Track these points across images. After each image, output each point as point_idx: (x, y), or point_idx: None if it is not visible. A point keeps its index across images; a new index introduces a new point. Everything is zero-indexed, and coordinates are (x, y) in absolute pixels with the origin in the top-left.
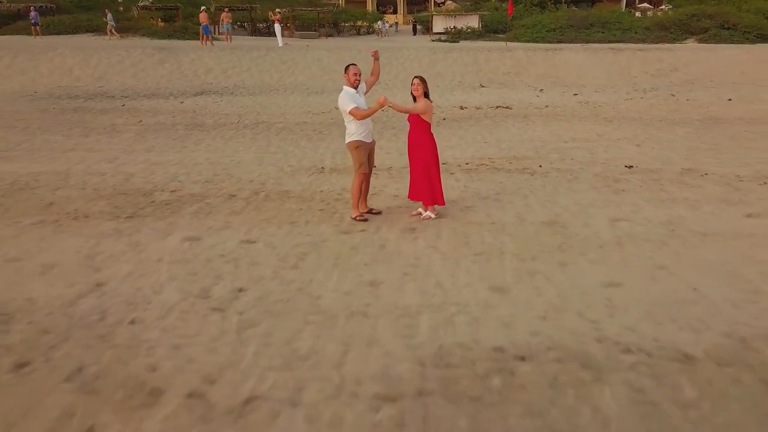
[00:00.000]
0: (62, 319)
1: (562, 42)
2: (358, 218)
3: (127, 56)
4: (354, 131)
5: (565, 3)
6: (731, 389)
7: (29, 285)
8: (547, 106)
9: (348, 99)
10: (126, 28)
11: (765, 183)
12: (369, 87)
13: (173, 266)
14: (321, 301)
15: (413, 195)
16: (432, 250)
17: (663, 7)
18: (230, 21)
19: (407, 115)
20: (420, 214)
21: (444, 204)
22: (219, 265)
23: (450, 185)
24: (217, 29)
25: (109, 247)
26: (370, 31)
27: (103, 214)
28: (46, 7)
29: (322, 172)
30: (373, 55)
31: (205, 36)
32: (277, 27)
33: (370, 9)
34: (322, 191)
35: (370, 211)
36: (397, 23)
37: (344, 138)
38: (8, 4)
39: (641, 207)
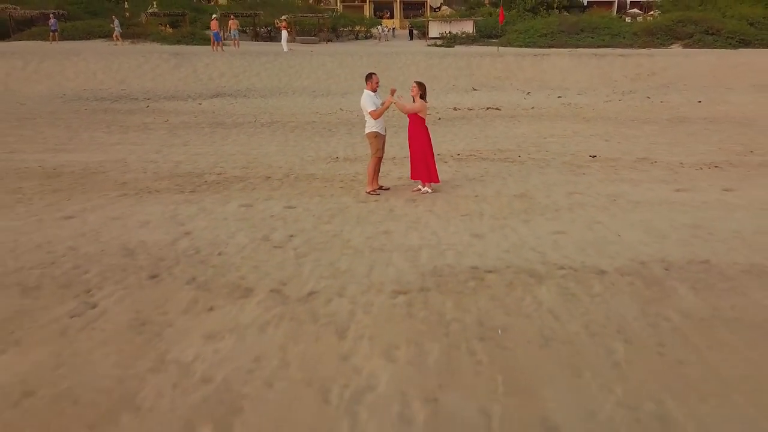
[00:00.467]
0: (170, 252)
1: (553, 47)
2: (371, 192)
3: (145, 61)
4: (373, 124)
5: (557, 8)
6: (626, 288)
7: (136, 233)
8: (533, 107)
9: (369, 101)
10: (136, 33)
11: (701, 168)
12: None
13: (237, 222)
14: (350, 242)
15: (414, 175)
16: (429, 212)
17: (653, 12)
18: (237, 27)
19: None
20: (419, 189)
21: (438, 182)
22: (271, 221)
23: (444, 170)
24: (222, 34)
25: (184, 210)
26: (368, 36)
27: (169, 189)
28: (59, 13)
29: (337, 161)
30: (391, 92)
31: (216, 42)
32: (284, 33)
33: (368, 14)
34: (339, 174)
35: (381, 188)
36: (394, 28)
37: (351, 134)
38: (22, 11)
39: (594, 185)
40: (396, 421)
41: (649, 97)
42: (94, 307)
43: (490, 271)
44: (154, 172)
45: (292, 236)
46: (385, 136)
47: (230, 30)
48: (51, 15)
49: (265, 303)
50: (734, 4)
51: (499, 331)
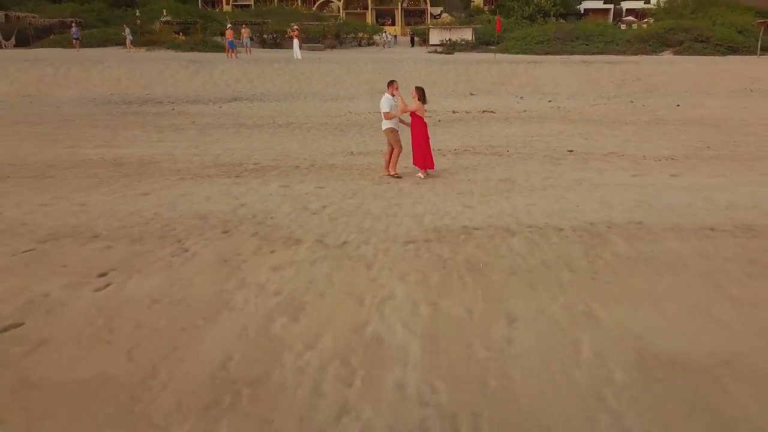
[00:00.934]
0: (233, 217)
1: (549, 53)
2: (394, 175)
3: (165, 68)
4: (388, 123)
5: (553, 16)
6: (575, 239)
7: (203, 204)
8: (525, 110)
9: (386, 103)
10: (151, 41)
11: (659, 160)
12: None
13: (280, 197)
14: (370, 211)
15: (414, 162)
16: (431, 191)
17: (647, 20)
18: (249, 36)
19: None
20: (420, 176)
21: (433, 168)
22: (306, 197)
23: (442, 161)
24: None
25: (235, 189)
26: (370, 43)
27: (218, 175)
28: (77, 21)
29: (352, 155)
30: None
31: (230, 50)
32: (296, 42)
33: (370, 21)
34: (356, 164)
35: (395, 175)
36: (395, 35)
37: (361, 133)
38: (41, 19)
39: (566, 172)
40: (409, 316)
41: (632, 101)
42: (186, 250)
43: (476, 229)
44: (200, 163)
45: (324, 206)
46: (398, 131)
47: (243, 38)
48: (73, 24)
49: (312, 248)
50: (725, 12)
51: (481, 265)
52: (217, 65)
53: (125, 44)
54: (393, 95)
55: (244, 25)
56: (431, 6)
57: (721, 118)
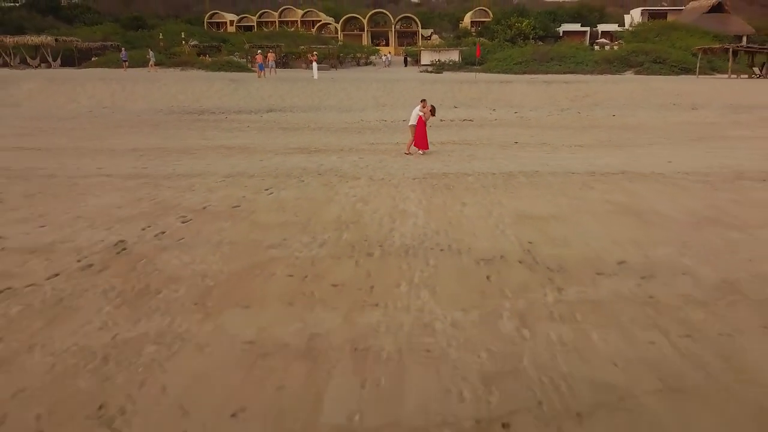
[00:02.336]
0: (319, 168)
1: (526, 73)
2: (407, 153)
3: (210, 86)
4: (412, 122)
5: (532, 39)
6: (500, 177)
7: (298, 164)
8: (495, 119)
9: (415, 112)
10: (183, 62)
11: (570, 146)
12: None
13: (340, 161)
14: (393, 167)
15: (416, 145)
16: (426, 159)
17: (618, 42)
18: (274, 59)
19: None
20: (418, 153)
21: (428, 149)
22: (354, 161)
23: (432, 148)
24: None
25: (312, 158)
26: (367, 63)
27: (296, 153)
28: (114, 44)
29: (373, 144)
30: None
31: (260, 71)
32: (314, 65)
33: (366, 42)
34: (377, 149)
35: (410, 153)
36: (389, 55)
37: (375, 134)
38: (83, 42)
39: (507, 152)
40: (416, 203)
41: (579, 113)
42: (303, 181)
43: (450, 173)
44: (279, 147)
45: (367, 165)
46: (412, 125)
47: (269, 61)
48: (122, 48)
49: (365, 181)
50: (685, 36)
51: (451, 186)
52: (252, 83)
53: (148, 65)
54: (422, 107)
55: (270, 50)
56: (422, 28)
57: (639, 124)
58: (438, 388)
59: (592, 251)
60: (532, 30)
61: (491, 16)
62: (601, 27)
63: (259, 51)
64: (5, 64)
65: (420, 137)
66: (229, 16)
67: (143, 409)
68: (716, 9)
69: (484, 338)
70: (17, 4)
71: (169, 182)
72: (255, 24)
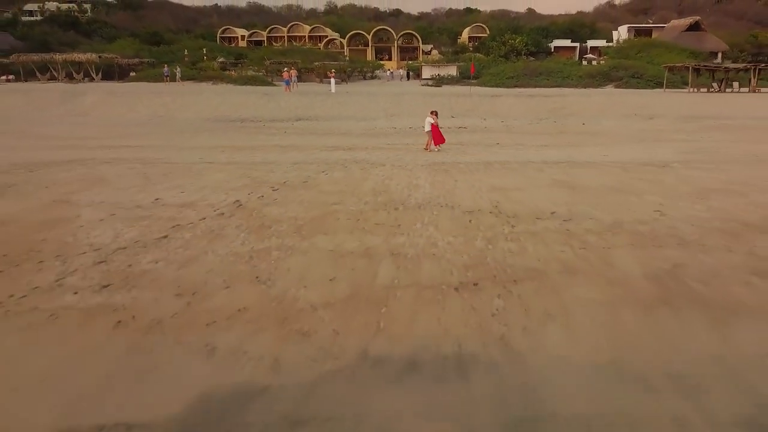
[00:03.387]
0: (355, 160)
1: (517, 87)
2: (425, 150)
3: (246, 98)
4: (427, 127)
5: (524, 55)
6: (482, 165)
7: (341, 157)
8: (485, 127)
9: (428, 120)
10: (214, 77)
11: (538, 146)
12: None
13: (368, 155)
14: (405, 159)
15: (435, 143)
16: (437, 154)
17: (603, 57)
18: (297, 75)
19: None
20: (437, 149)
21: (444, 142)
22: (379, 157)
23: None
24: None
25: (348, 154)
26: (372, 77)
27: (336, 150)
28: (150, 61)
29: (390, 145)
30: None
31: (286, 86)
32: (333, 80)
33: (370, 57)
34: (396, 147)
35: (426, 150)
36: (392, 71)
37: (388, 137)
38: (123, 59)
39: (490, 150)
40: (425, 180)
41: (555, 122)
42: (347, 168)
43: (447, 162)
44: (320, 146)
45: (388, 158)
46: (428, 131)
47: (292, 76)
48: (165, 65)
49: (389, 168)
50: (663, 53)
51: (449, 170)
52: (281, 96)
53: (174, 80)
54: (434, 116)
55: (293, 67)
56: (423, 43)
57: (602, 130)
58: (439, 270)
59: (535, 207)
60: (524, 46)
61: (487, 32)
62: (590, 43)
63: (285, 69)
64: (53, 78)
65: (437, 136)
66: (240, 31)
67: (279, 277)
68: (693, 28)
69: (466, 249)
70: (38, 18)
71: (255, 167)
72: (265, 39)
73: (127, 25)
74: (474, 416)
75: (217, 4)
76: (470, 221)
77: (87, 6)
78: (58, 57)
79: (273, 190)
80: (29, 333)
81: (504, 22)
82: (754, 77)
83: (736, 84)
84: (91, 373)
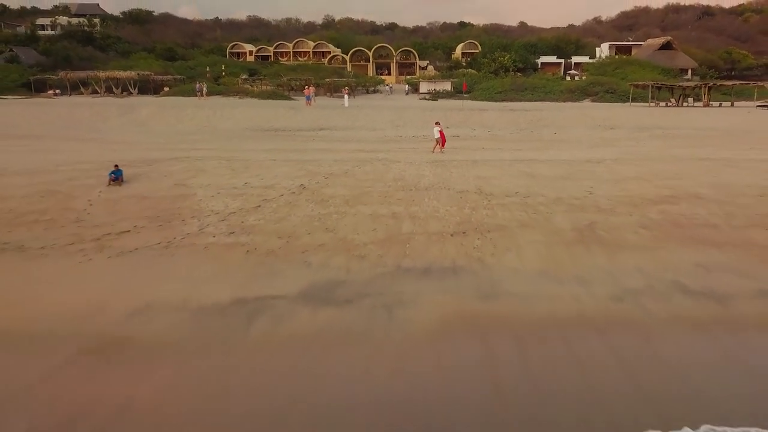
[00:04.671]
0: (378, 158)
1: (505, 101)
2: (432, 152)
3: (275, 111)
4: (435, 135)
5: (513, 71)
6: (470, 162)
7: (368, 156)
8: (474, 136)
9: (436, 131)
10: (240, 90)
11: (512, 150)
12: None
13: (386, 155)
14: (413, 158)
15: (441, 146)
16: (441, 155)
17: (585, 73)
18: (314, 91)
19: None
20: (441, 151)
21: (444, 146)
22: (394, 155)
23: (436, 152)
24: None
25: (370, 154)
26: (374, 91)
27: (361, 152)
28: (181, 77)
29: (400, 149)
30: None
31: (307, 101)
32: (346, 96)
33: (371, 72)
34: (406, 150)
35: (434, 152)
36: (391, 86)
37: (398, 143)
38: (157, 76)
39: (478, 152)
40: (429, 172)
41: (532, 131)
42: (372, 163)
43: (444, 160)
44: (347, 149)
45: (400, 157)
46: (438, 138)
47: (311, 92)
48: (197, 82)
49: (403, 163)
50: (638, 70)
51: (448, 164)
52: (304, 110)
53: (201, 94)
54: (438, 125)
55: (311, 84)
56: (419, 60)
57: (569, 138)
58: (440, 225)
59: (506, 189)
60: (512, 63)
61: (479, 48)
62: (575, 59)
63: (307, 86)
64: (95, 92)
65: (444, 141)
66: (248, 47)
67: (340, 228)
68: (666, 46)
69: (457, 213)
70: (53, 33)
71: (306, 163)
72: (272, 54)
73: (137, 39)
74: (462, 292)
75: (218, 18)
76: (461, 197)
77: (96, 20)
78: (102, 74)
79: (324, 178)
80: (195, 256)
81: (496, 37)
82: (706, 94)
83: (690, 99)
84: (240, 275)
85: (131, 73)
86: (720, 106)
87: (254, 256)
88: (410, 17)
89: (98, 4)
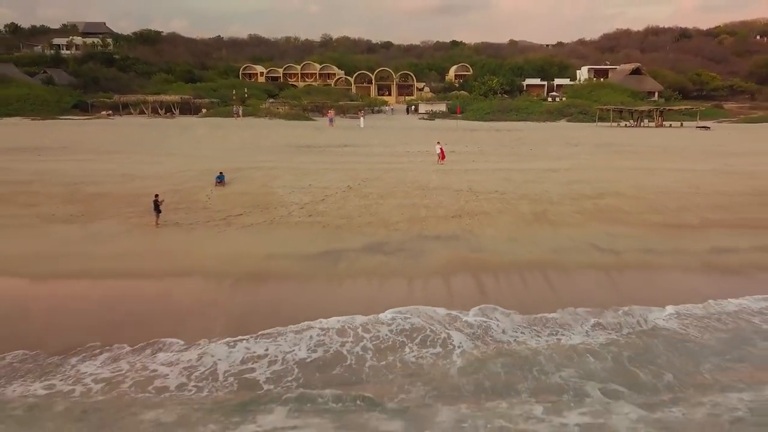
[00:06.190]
0: (397, 164)
1: (492, 120)
2: (437, 163)
3: (303, 131)
4: (437, 151)
5: (500, 93)
6: (458, 171)
7: (391, 165)
8: (467, 151)
9: (437, 148)
10: (269, 113)
11: (490, 161)
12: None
13: (400, 165)
14: (423, 166)
15: (442, 159)
16: (437, 165)
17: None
18: (335, 114)
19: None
20: (442, 164)
21: (444, 160)
22: (410, 165)
23: (438, 165)
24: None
25: (395, 165)
26: (378, 111)
27: (384, 163)
28: (216, 101)
29: (411, 161)
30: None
31: (330, 123)
32: (362, 118)
33: (373, 93)
34: (414, 161)
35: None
36: (393, 108)
37: (408, 156)
38: (196, 99)
39: (469, 163)
40: (434, 177)
41: (512, 148)
42: (394, 171)
43: (445, 169)
44: (373, 162)
45: (413, 167)
46: (438, 153)
47: (332, 115)
48: (234, 106)
49: (417, 171)
50: (610, 93)
51: (447, 169)
52: (328, 131)
53: (233, 115)
54: (439, 144)
55: (332, 107)
56: (417, 82)
57: (540, 153)
58: (445, 211)
59: (489, 188)
60: (500, 86)
61: (471, 70)
62: (557, 80)
63: (330, 110)
64: (142, 112)
65: (443, 156)
66: (259, 68)
67: (379, 213)
68: (636, 72)
69: (456, 203)
70: (73, 53)
71: (346, 171)
72: (281, 75)
73: (150, 59)
74: (459, 249)
75: (220, 36)
76: (457, 194)
77: (109, 41)
78: (150, 98)
79: (362, 181)
80: (291, 229)
81: (486, 57)
82: (659, 116)
83: (647, 120)
84: (322, 239)
85: (175, 97)
86: (671, 126)
87: (328, 229)
88: (404, 36)
89: (105, 23)
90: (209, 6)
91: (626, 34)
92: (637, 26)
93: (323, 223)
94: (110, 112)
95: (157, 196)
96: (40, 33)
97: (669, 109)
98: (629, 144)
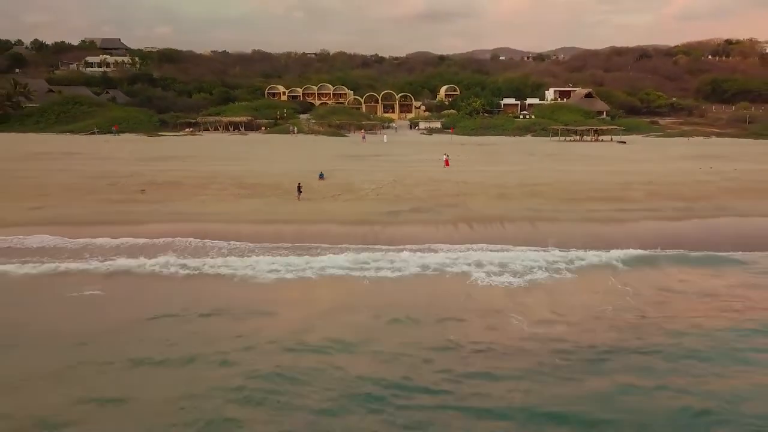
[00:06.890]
0: (417, 160)
1: (476, 135)
2: (444, 167)
3: (343, 145)
4: (442, 161)
5: (482, 113)
6: (451, 180)
7: (415, 162)
8: (459, 160)
9: (443, 157)
10: (311, 130)
11: (472, 164)
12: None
13: (420, 165)
14: (433, 167)
15: (446, 165)
16: (442, 169)
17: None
18: (365, 134)
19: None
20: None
21: (448, 165)
22: (425, 167)
23: (440, 168)
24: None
25: (416, 168)
26: (387, 127)
27: (408, 167)
28: (272, 122)
29: (425, 166)
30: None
31: (363, 140)
32: (385, 136)
33: (380, 112)
34: (428, 166)
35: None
36: (396, 122)
37: (422, 163)
38: (257, 119)
39: (460, 168)
40: (437, 168)
41: (489, 157)
42: (418, 171)
43: (449, 170)
44: (399, 166)
45: (427, 168)
46: (443, 161)
47: (363, 133)
48: (290, 125)
49: (431, 171)
50: (567, 113)
51: (444, 164)
52: (361, 144)
53: (290, 132)
54: (445, 155)
55: (363, 129)
56: (415, 101)
57: (505, 160)
58: (448, 195)
59: (475, 181)
60: (482, 107)
61: (458, 90)
62: (529, 100)
63: (362, 130)
64: (216, 129)
65: (447, 163)
66: (281, 88)
67: (415, 194)
68: (589, 95)
69: (455, 190)
70: (113, 71)
71: (387, 172)
72: (300, 95)
73: (176, 76)
74: (459, 212)
75: (226, 51)
76: (456, 184)
77: (136, 58)
78: (224, 118)
79: (401, 177)
80: (369, 201)
81: (471, 73)
82: (593, 133)
83: (588, 137)
84: (386, 206)
85: (244, 117)
86: (602, 141)
87: (389, 201)
88: (393, 50)
89: (120, 39)
90: (190, 12)
91: (594, 54)
92: (620, 33)
93: (386, 199)
94: (192, 129)
95: (299, 184)
96: (64, 50)
97: (600, 129)
98: (566, 153)
